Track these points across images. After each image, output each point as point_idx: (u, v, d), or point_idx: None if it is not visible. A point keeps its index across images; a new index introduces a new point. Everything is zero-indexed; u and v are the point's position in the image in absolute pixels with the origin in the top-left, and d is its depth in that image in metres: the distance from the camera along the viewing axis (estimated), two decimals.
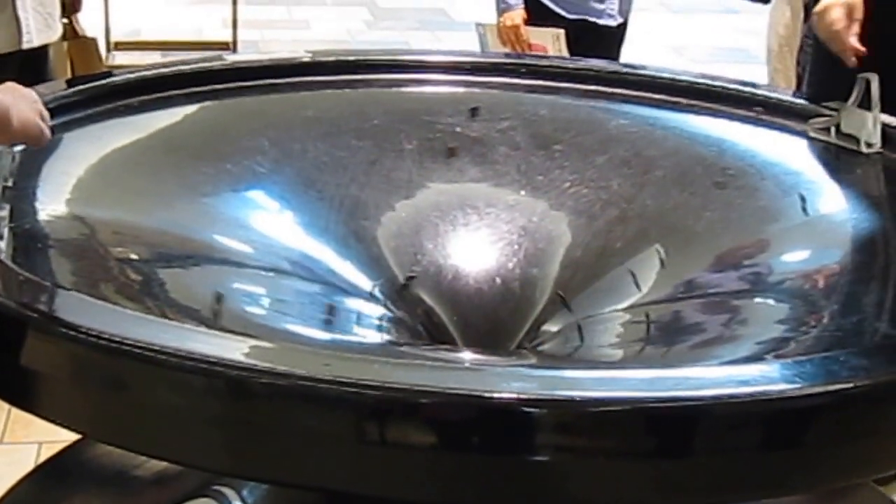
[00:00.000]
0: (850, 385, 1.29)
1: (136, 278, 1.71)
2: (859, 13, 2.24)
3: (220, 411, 1.29)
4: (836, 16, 2.23)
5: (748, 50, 6.75)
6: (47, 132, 1.66)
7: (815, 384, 1.29)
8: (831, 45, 2.27)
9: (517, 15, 4.12)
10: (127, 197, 1.86)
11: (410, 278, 1.91)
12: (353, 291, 1.87)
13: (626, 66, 2.34)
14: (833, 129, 2.08)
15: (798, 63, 2.76)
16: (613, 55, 4.14)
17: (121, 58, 5.58)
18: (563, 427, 1.25)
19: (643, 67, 2.35)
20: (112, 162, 1.92)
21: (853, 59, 2.26)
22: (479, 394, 1.23)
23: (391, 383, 1.23)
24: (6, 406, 2.66)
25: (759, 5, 4.12)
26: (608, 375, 1.44)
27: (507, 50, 4.09)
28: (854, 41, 2.21)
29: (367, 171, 2.05)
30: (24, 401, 1.41)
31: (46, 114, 1.67)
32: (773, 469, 1.29)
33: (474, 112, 2.18)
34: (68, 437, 2.05)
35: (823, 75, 2.49)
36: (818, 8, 2.29)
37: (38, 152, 1.76)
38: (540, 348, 1.84)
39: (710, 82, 2.28)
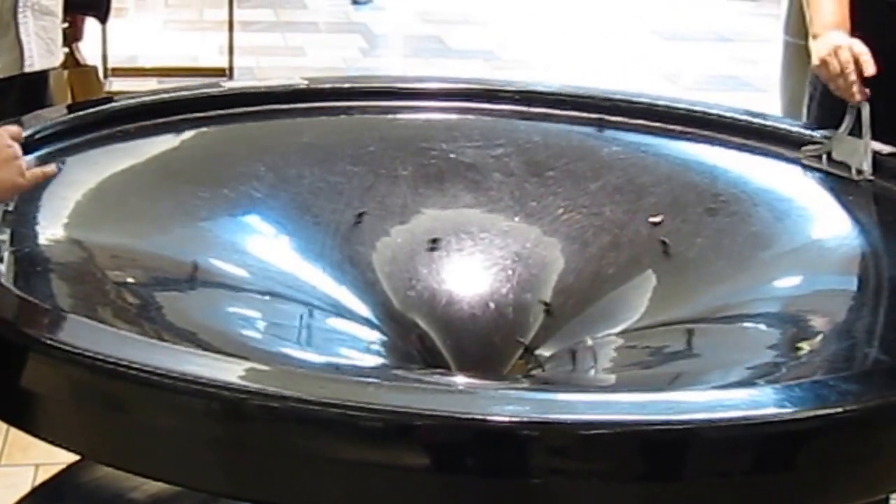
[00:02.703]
0: (840, 410, 1.30)
1: (134, 301, 1.72)
2: (853, 54, 2.20)
3: (216, 433, 1.31)
4: (835, 69, 2.20)
5: (741, 77, 6.77)
6: (20, 183, 1.58)
7: (806, 409, 1.30)
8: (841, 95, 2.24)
9: None
10: (125, 221, 1.87)
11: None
12: (348, 315, 1.88)
13: (618, 93, 2.35)
14: (825, 157, 2.09)
15: None
16: None
17: (118, 84, 5.59)
18: (555, 450, 1.26)
19: (637, 95, 2.36)
20: (111, 187, 1.94)
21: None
22: (473, 417, 1.24)
23: (385, 406, 1.25)
24: (3, 428, 2.68)
25: None
26: (600, 399, 1.46)
27: None
28: (857, 88, 2.18)
29: (363, 196, 2.06)
30: (24, 422, 1.42)
31: (23, 168, 1.58)
32: (764, 492, 1.30)
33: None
34: (65, 459, 2.06)
35: (825, 101, 2.48)
36: (815, 63, 2.26)
37: None
38: (533, 372, 1.85)
39: (703, 109, 2.30)
